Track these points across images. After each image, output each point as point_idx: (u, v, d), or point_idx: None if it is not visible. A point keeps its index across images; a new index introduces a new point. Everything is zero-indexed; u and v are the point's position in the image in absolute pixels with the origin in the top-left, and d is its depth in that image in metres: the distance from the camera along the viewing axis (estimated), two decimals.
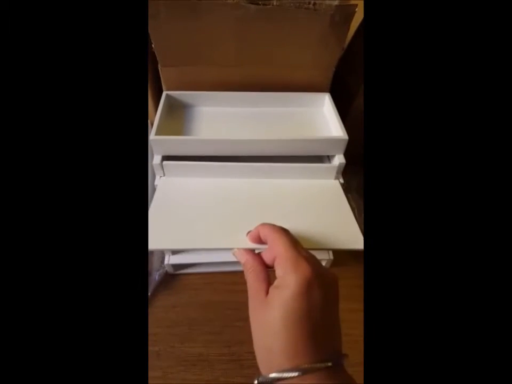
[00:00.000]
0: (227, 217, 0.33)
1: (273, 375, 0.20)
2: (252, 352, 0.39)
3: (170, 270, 0.43)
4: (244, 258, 0.26)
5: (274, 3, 0.34)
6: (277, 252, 0.23)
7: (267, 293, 0.22)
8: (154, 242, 0.29)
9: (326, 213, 0.34)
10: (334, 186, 0.38)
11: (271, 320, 0.21)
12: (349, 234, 0.32)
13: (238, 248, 0.27)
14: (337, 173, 0.38)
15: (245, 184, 0.36)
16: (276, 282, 0.22)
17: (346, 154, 0.38)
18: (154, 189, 0.37)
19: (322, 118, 0.41)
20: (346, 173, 0.50)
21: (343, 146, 0.37)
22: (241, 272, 0.43)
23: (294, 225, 0.29)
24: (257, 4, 0.33)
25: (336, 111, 0.39)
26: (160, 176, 0.37)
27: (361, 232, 0.40)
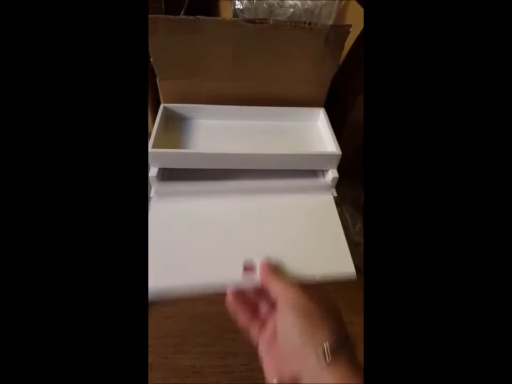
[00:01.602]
0: (221, 246, 0.32)
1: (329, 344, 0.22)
2: (245, 365, 0.40)
3: None
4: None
5: (271, 22, 0.35)
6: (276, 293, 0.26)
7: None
8: (154, 281, 0.28)
9: (317, 236, 0.34)
10: (327, 201, 0.38)
11: (288, 322, 0.24)
12: (340, 261, 0.32)
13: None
14: (330, 187, 0.39)
15: (238, 204, 0.36)
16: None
17: (341, 167, 0.39)
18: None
19: (317, 132, 0.42)
20: (340, 185, 0.51)
21: (336, 161, 0.37)
22: None
23: (286, 251, 0.31)
24: (254, 23, 0.34)
25: (330, 126, 0.40)
26: (152, 197, 0.36)
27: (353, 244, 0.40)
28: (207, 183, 0.36)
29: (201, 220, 0.34)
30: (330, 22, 0.38)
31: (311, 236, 0.34)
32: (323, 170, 0.41)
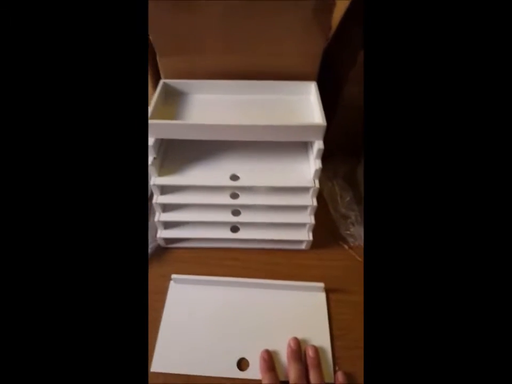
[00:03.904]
0: (229, 339, 0.39)
1: None
2: None
3: (162, 244, 0.47)
4: None
5: None
6: None
7: None
8: (158, 365, 0.37)
9: (306, 331, 0.40)
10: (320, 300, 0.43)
11: None
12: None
13: None
14: (316, 158, 0.40)
15: (245, 297, 0.43)
16: None
17: (335, 143, 0.40)
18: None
19: (309, 106, 0.43)
20: (335, 161, 0.51)
21: (321, 133, 0.38)
22: (228, 249, 0.47)
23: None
24: None
25: (319, 99, 0.41)
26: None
27: None
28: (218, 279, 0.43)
29: (211, 313, 0.41)
30: None
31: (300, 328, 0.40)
32: (311, 144, 0.42)
